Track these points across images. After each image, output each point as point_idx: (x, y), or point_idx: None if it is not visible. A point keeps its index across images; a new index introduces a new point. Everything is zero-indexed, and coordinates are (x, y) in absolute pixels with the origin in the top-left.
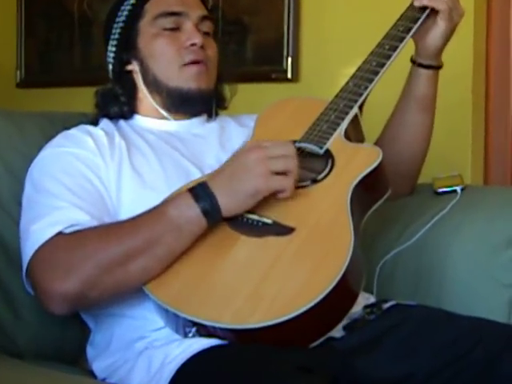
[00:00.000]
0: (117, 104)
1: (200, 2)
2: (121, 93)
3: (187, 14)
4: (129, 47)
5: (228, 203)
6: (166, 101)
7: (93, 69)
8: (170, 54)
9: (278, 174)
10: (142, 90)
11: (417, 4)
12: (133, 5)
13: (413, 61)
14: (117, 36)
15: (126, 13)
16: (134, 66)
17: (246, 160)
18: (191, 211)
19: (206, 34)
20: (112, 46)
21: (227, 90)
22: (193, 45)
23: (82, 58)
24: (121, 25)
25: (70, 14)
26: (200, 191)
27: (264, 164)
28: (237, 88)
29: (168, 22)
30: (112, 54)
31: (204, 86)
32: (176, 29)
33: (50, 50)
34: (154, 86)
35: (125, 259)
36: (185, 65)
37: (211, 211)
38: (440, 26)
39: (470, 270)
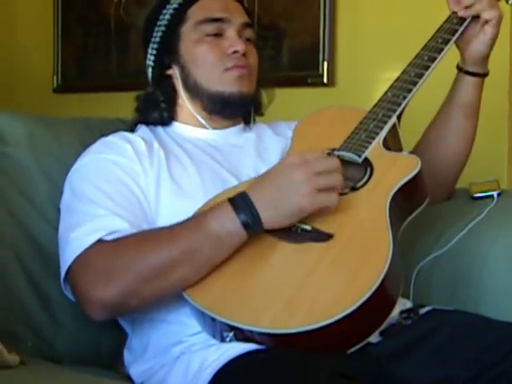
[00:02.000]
0: (157, 110)
1: (242, 9)
2: (162, 99)
3: (230, 20)
4: (170, 51)
5: (270, 217)
6: (207, 105)
7: (129, 74)
8: (213, 60)
9: (323, 190)
10: (182, 96)
11: (462, 14)
12: (175, 9)
13: (459, 68)
14: (158, 39)
15: (167, 17)
16: (174, 71)
17: (291, 177)
18: (232, 223)
19: (247, 40)
20: (152, 49)
21: (265, 96)
22: (235, 52)
23: (119, 63)
24: (162, 29)
25: (106, 20)
26: (241, 202)
27: (310, 182)
28: (274, 94)
29: (211, 28)
30: (152, 58)
31: (245, 89)
32: (218, 35)
33: (87, 55)
34: (195, 91)
35: (164, 270)
36: (226, 69)
37: (252, 224)
38: (488, 33)
39: (508, 275)
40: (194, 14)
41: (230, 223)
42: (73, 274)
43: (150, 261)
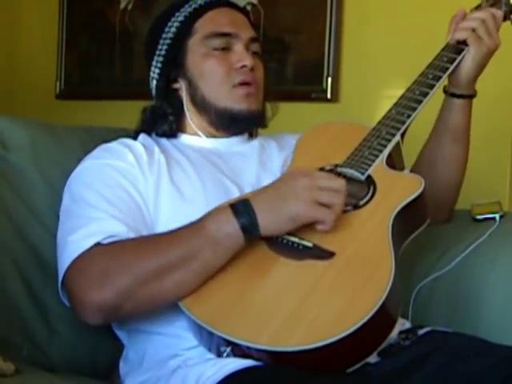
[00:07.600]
0: (166, 122)
1: (249, 24)
2: (170, 111)
3: (238, 35)
4: (176, 65)
5: (267, 222)
6: (215, 121)
7: (133, 83)
8: (220, 74)
9: (322, 204)
10: (189, 110)
11: (451, 40)
12: (181, 22)
13: (445, 91)
14: (163, 52)
15: (173, 29)
16: (180, 85)
17: (294, 184)
18: (230, 226)
19: (254, 53)
20: (157, 62)
21: (269, 109)
22: (243, 66)
23: (122, 71)
24: (168, 41)
25: (111, 27)
26: (240, 207)
27: (311, 192)
28: (279, 107)
29: (219, 43)
30: (157, 70)
31: (254, 106)
32: (226, 49)
33: (91, 62)
34: (202, 105)
35: (161, 272)
36: (234, 86)
37: (250, 227)
38: (471, 56)
39: (508, 298)
40: (202, 27)
41: (227, 225)
42: (69, 278)
43: (147, 263)
